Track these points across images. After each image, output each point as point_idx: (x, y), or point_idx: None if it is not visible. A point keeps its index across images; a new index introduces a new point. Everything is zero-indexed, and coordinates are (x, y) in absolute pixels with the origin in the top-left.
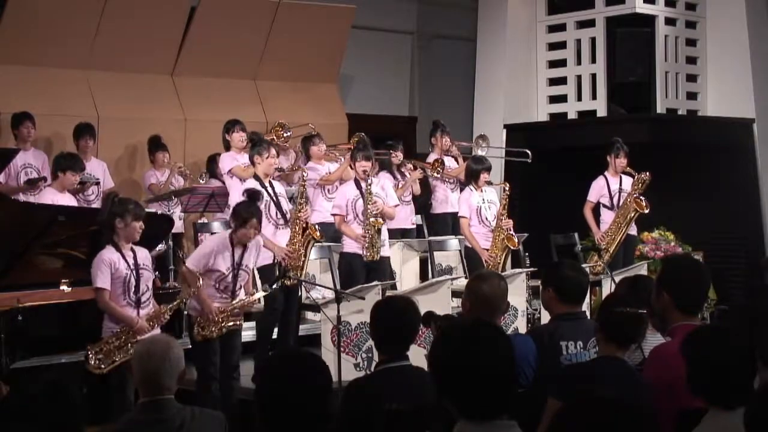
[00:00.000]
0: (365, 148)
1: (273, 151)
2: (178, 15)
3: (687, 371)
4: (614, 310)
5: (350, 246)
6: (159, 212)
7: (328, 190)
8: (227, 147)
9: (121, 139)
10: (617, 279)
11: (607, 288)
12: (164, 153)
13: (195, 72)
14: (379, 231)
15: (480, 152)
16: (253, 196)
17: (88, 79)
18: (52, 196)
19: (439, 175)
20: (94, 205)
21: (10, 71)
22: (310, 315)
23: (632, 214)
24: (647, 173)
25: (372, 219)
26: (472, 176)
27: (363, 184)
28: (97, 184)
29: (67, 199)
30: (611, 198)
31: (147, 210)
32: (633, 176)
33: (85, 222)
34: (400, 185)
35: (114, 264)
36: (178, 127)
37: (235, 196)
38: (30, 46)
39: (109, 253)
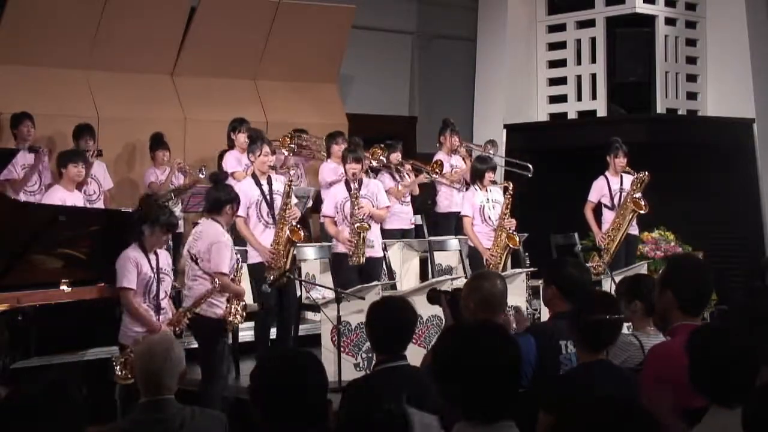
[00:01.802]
0: (355, 150)
1: (266, 149)
2: (178, 15)
3: (690, 368)
4: (588, 320)
5: (340, 246)
6: None
7: None
8: (231, 146)
9: (121, 140)
10: (617, 279)
11: (608, 287)
12: (164, 151)
13: (195, 72)
14: (363, 237)
15: None
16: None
17: (88, 79)
18: (61, 194)
19: (437, 176)
20: (95, 205)
21: (10, 71)
22: (310, 315)
23: (630, 215)
24: (646, 173)
25: (357, 224)
26: (476, 176)
27: (353, 186)
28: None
29: (77, 197)
30: (612, 198)
31: None
32: (633, 176)
33: (85, 222)
34: (399, 186)
35: (139, 264)
36: (178, 126)
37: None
38: (30, 46)
39: (134, 252)
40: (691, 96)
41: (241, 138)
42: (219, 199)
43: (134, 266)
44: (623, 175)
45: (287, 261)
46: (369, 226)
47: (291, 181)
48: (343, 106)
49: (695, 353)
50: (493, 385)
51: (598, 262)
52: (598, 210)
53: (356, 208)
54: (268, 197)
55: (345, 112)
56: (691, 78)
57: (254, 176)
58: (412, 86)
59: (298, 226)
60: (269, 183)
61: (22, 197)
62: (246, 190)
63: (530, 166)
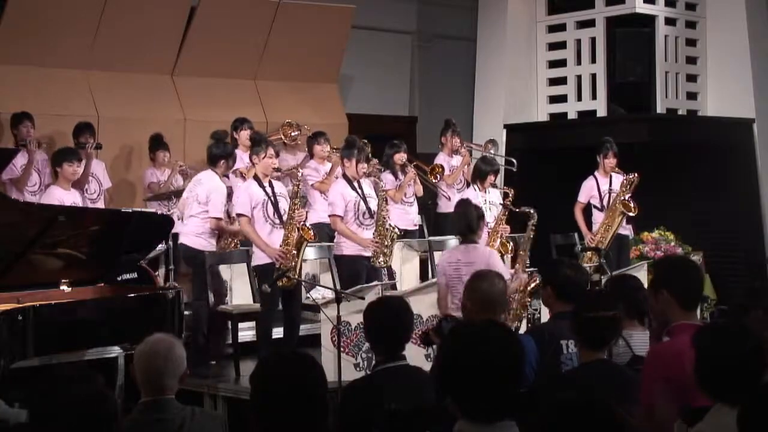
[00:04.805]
0: (363, 149)
1: (271, 151)
2: (178, 15)
3: (696, 366)
4: (587, 316)
5: (351, 248)
6: (159, 212)
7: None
8: (234, 145)
9: (120, 139)
10: None
11: None
12: (165, 152)
13: (195, 72)
14: (393, 239)
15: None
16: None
17: (88, 79)
18: (58, 194)
19: (437, 181)
20: (96, 204)
21: (10, 71)
22: (310, 315)
23: (619, 217)
24: (635, 174)
25: (389, 225)
26: (478, 176)
27: (366, 186)
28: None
29: (74, 196)
30: (601, 198)
31: (146, 210)
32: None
33: (85, 222)
34: (399, 186)
35: None
36: (178, 127)
37: (239, 195)
38: (30, 46)
39: None
40: (691, 96)
41: (243, 136)
42: (213, 153)
43: None
44: (612, 175)
45: (298, 261)
46: (400, 231)
47: (300, 182)
48: (343, 106)
49: (703, 351)
50: (493, 385)
51: (593, 261)
52: (588, 210)
53: (384, 210)
54: (272, 198)
55: (345, 112)
56: (691, 78)
57: (256, 178)
58: (412, 86)
59: (308, 226)
60: (271, 185)
61: (26, 197)
62: (251, 191)
63: (514, 161)
